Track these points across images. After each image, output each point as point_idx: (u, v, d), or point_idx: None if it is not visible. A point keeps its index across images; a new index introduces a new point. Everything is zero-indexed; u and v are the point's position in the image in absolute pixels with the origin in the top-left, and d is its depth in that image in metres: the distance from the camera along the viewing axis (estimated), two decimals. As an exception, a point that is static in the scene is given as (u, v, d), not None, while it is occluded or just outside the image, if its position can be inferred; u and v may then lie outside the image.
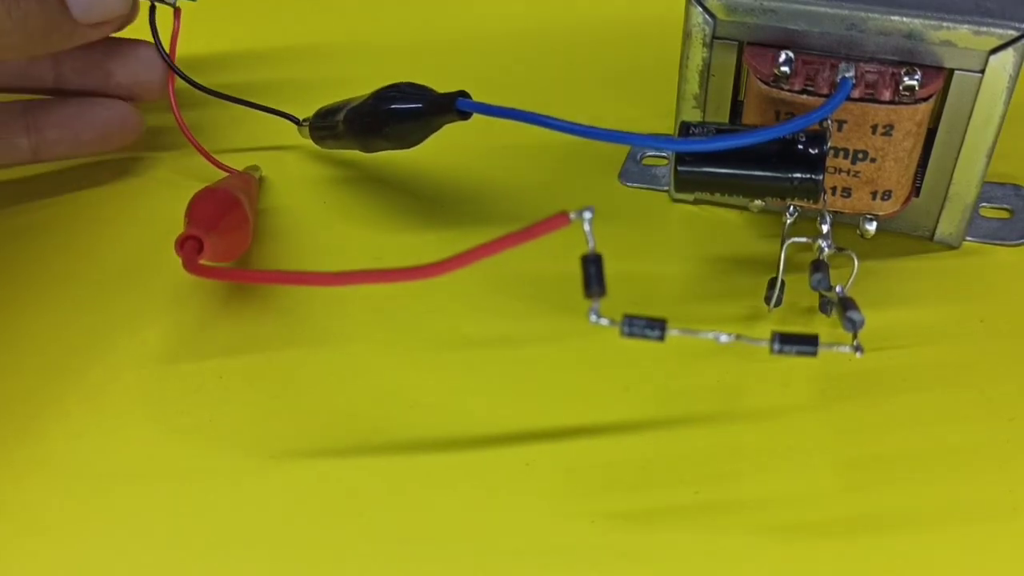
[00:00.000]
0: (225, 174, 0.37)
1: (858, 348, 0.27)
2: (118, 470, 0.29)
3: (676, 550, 0.26)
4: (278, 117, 0.39)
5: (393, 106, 0.33)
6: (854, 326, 0.28)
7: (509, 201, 0.37)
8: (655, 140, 0.34)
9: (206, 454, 0.29)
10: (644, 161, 0.39)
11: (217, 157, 0.37)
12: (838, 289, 0.29)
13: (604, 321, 0.26)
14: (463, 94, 0.32)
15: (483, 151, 0.35)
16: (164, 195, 0.37)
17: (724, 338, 0.26)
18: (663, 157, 0.39)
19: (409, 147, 0.34)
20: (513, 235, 0.25)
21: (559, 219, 0.25)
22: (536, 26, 0.48)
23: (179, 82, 0.37)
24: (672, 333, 0.26)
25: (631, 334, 0.26)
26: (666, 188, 0.38)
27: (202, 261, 0.30)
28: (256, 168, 0.38)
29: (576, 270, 0.25)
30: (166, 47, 0.36)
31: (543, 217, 0.25)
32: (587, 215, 0.25)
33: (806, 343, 0.26)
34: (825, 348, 0.26)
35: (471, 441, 0.29)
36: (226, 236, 0.32)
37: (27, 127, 0.35)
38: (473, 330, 0.32)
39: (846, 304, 0.28)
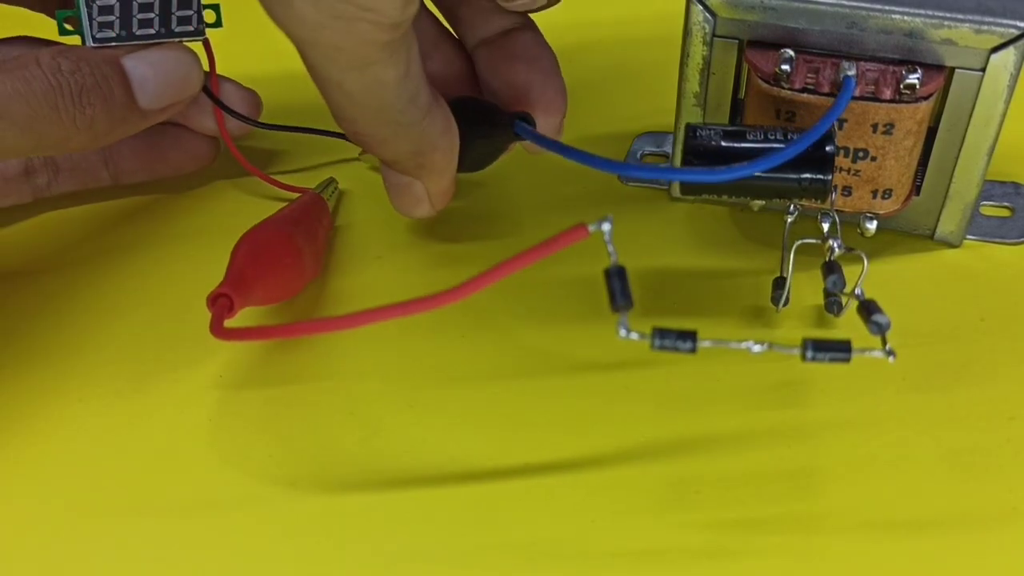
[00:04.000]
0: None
1: (890, 352, 0.26)
2: (129, 490, 0.29)
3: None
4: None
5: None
6: (880, 329, 0.26)
7: (508, 198, 0.37)
8: (661, 171, 0.34)
9: (227, 482, 0.29)
10: (644, 159, 0.39)
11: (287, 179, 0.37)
12: (857, 291, 0.28)
13: (634, 335, 0.24)
14: (523, 116, 0.31)
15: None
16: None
17: (756, 348, 0.25)
18: (663, 156, 0.39)
19: (478, 169, 0.32)
20: (530, 252, 0.24)
21: (577, 231, 0.23)
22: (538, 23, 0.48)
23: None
24: (704, 344, 0.25)
25: (662, 347, 0.25)
26: (666, 186, 0.37)
27: (228, 322, 0.28)
28: (328, 183, 0.37)
29: (580, 274, 0.25)
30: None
31: (542, 224, 0.24)
32: (606, 227, 0.23)
33: (839, 350, 0.25)
34: (858, 353, 0.25)
35: (480, 466, 0.29)
36: (271, 280, 0.30)
37: (105, 160, 0.37)
38: (483, 336, 0.32)
39: (869, 308, 0.27)
